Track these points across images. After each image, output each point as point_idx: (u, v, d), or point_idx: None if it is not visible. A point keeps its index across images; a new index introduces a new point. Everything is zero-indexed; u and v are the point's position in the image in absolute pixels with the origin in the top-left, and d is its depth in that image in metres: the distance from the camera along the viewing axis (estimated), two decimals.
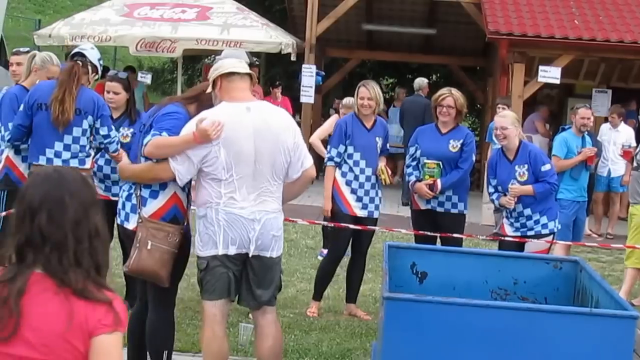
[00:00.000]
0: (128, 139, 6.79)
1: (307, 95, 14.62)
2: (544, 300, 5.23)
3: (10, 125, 6.57)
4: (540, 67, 13.01)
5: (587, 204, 9.46)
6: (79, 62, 6.47)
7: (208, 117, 4.81)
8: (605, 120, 13.44)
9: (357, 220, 7.29)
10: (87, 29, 14.63)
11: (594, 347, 4.01)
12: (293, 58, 14.87)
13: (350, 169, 7.25)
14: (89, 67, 6.58)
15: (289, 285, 8.20)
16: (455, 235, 7.23)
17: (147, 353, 5.06)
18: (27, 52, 7.34)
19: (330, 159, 7.32)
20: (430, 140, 7.34)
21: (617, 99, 14.63)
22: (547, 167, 7.07)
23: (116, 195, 6.03)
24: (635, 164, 8.70)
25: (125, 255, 5.55)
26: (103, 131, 6.51)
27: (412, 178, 7.33)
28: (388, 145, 7.54)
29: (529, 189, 6.98)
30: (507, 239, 7.08)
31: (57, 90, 6.37)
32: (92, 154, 6.59)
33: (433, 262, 5.36)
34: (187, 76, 22.19)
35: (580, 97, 15.01)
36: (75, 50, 6.73)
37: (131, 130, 6.83)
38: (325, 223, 7.28)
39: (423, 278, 5.32)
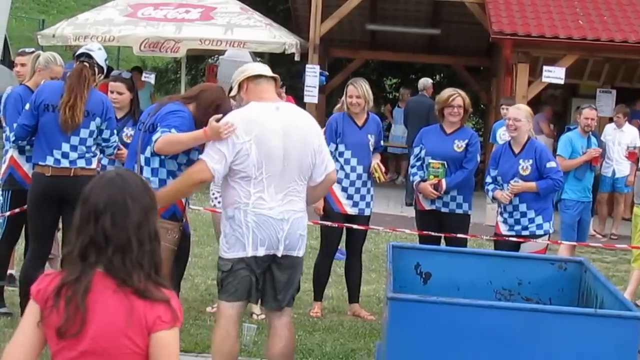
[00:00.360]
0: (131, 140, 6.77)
1: (311, 95, 14.61)
2: (548, 300, 5.22)
3: (15, 125, 6.55)
4: (545, 67, 12.97)
5: (591, 204, 9.45)
6: (86, 63, 6.42)
7: (235, 115, 4.85)
8: (610, 120, 13.41)
9: (348, 218, 7.30)
10: (91, 29, 14.65)
11: (599, 348, 4.01)
12: (297, 58, 14.87)
13: (342, 167, 7.22)
14: (95, 68, 6.55)
15: None
16: (459, 235, 7.23)
17: None
18: (32, 52, 7.31)
19: None
20: (435, 141, 7.34)
21: (621, 99, 14.61)
22: (552, 164, 7.07)
23: None
24: None
25: None
26: (106, 134, 6.48)
27: (417, 178, 7.33)
28: (382, 142, 7.54)
29: (532, 185, 6.96)
30: (505, 239, 7.06)
31: (67, 94, 6.26)
32: (98, 154, 6.58)
33: (437, 262, 5.36)
34: (191, 76, 22.15)
35: (585, 97, 14.98)
36: (82, 50, 6.61)
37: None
38: (329, 223, 7.27)
39: (427, 278, 5.32)
